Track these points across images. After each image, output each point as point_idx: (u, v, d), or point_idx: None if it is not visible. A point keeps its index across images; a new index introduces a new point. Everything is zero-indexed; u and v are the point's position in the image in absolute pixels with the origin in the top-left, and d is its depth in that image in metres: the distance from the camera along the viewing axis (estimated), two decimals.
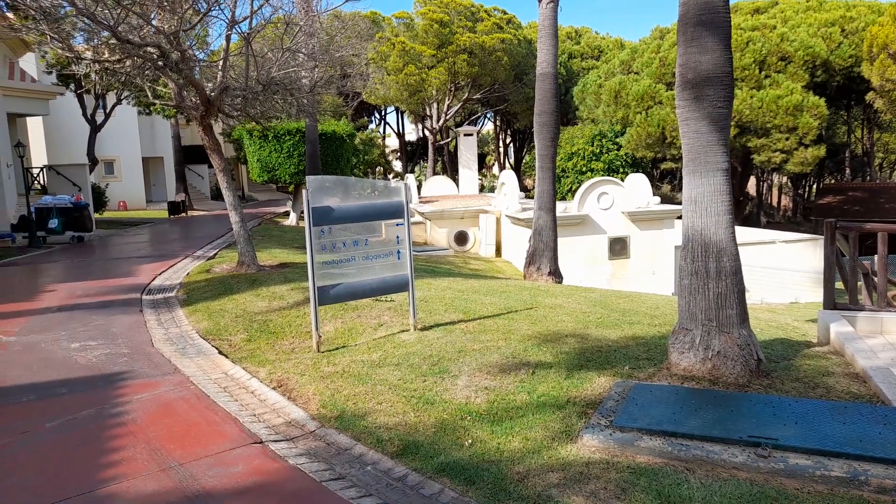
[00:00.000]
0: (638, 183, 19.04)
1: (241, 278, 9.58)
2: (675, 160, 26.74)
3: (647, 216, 18.26)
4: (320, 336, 6.07)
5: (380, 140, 40.09)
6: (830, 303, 6.93)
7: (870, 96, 23.70)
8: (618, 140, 27.03)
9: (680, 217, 20.10)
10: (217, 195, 29.63)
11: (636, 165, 27.32)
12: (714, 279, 5.02)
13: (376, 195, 6.29)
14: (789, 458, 3.60)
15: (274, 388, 5.16)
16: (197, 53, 11.96)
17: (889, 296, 7.51)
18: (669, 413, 4.16)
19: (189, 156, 30.29)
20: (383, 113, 44.40)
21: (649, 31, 30.69)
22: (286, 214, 23.35)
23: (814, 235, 20.96)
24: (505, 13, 31.63)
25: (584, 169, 27.21)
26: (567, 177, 27.79)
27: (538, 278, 11.17)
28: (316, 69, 11.40)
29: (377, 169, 37.03)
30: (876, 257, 6.80)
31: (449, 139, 40.55)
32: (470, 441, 4.06)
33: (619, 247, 18.36)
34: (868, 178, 44.68)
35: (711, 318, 5.03)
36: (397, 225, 6.30)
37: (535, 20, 36.62)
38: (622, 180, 19.57)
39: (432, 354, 5.71)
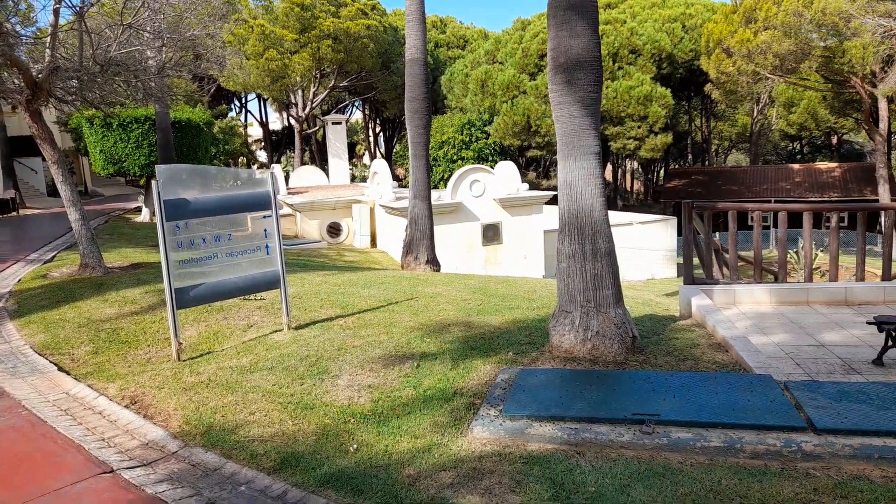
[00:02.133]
0: (507, 170, 19.46)
1: (85, 283, 8.53)
2: (541, 148, 27.76)
3: (518, 202, 18.74)
4: (181, 343, 5.47)
5: (241, 129, 38.07)
6: (690, 278, 7.35)
7: (708, 88, 25.94)
8: (486, 129, 27.56)
9: (548, 203, 20.91)
10: (54, 191, 26.65)
11: (504, 153, 28.03)
12: (590, 261, 5.08)
13: (240, 186, 5.75)
14: (671, 433, 3.67)
15: (127, 406, 4.54)
16: (18, 28, 10.45)
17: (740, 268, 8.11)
18: (556, 397, 4.13)
19: (18, 148, 26.91)
20: (244, 100, 42.22)
21: (511, 23, 31.55)
22: (138, 210, 21.44)
23: (665, 216, 22.64)
24: None
25: (454, 157, 27.48)
26: (439, 165, 27.94)
27: (416, 267, 11.01)
28: (164, 49, 10.37)
29: (240, 160, 35.15)
30: (728, 234, 7.30)
31: (316, 128, 39.37)
32: (355, 446, 3.77)
33: (491, 233, 18.70)
34: (707, 162, 49.22)
35: (589, 299, 5.09)
36: (264, 217, 5.81)
37: (400, 8, 36.29)
38: (492, 168, 19.93)
39: (309, 354, 5.32)
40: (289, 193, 21.64)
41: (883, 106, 25.11)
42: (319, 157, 41.54)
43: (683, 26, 26.48)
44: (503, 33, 30.48)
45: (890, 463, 3.31)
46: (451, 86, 31.34)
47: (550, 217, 21.79)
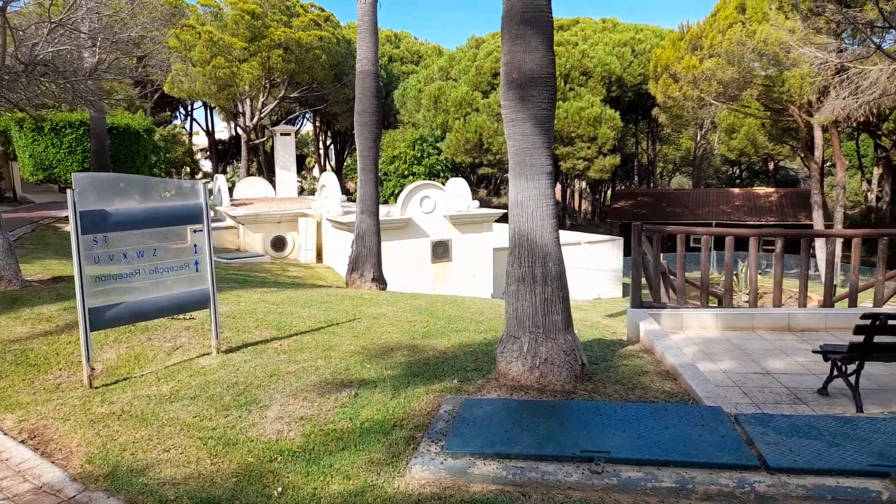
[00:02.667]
0: (458, 187, 19.33)
1: None
2: (492, 165, 27.82)
3: (468, 220, 18.59)
4: (93, 368, 4.97)
5: (185, 137, 36.90)
6: (638, 301, 7.25)
7: (655, 111, 26.54)
8: (438, 145, 27.45)
9: (498, 220, 20.86)
10: None
11: (456, 170, 27.95)
12: (540, 284, 4.87)
13: (169, 197, 5.33)
14: (622, 472, 3.46)
15: (24, 442, 4.05)
16: None
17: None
18: (502, 431, 3.87)
19: None
20: (190, 108, 41.03)
21: (465, 40, 31.67)
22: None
23: (612, 237, 22.92)
24: (323, 10, 30.69)
25: (406, 173, 27.23)
26: (389, 180, 27.64)
27: (361, 285, 10.65)
28: (97, 50, 9.78)
29: (183, 169, 34.01)
30: (676, 257, 7.25)
31: (265, 139, 38.53)
32: (280, 489, 3.41)
33: (441, 250, 18.47)
34: (652, 184, 50.50)
35: (538, 324, 4.88)
36: (195, 232, 5.40)
37: (354, 21, 36.04)
38: (443, 184, 19.76)
39: (238, 381, 4.92)
40: (233, 205, 20.92)
41: (818, 135, 26.19)
42: (267, 169, 40.66)
43: (633, 51, 27.09)
44: (457, 50, 30.56)
45: None
46: (405, 101, 31.18)
47: (500, 235, 21.75)
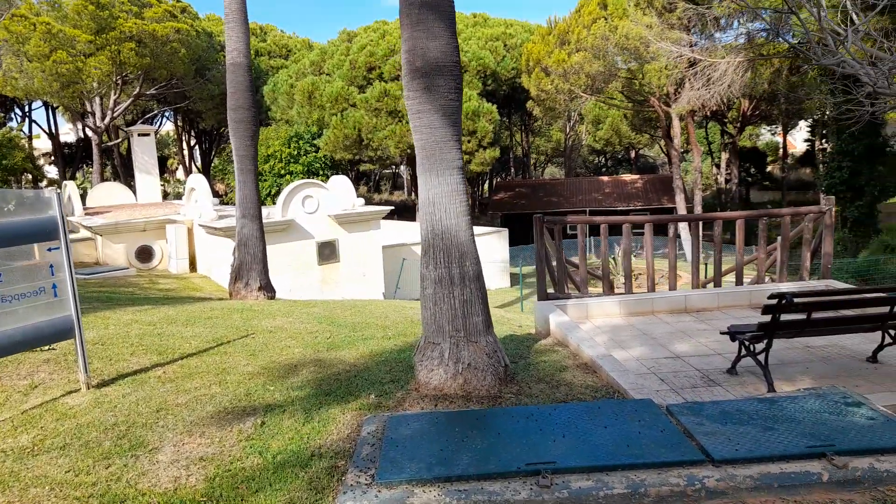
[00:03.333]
0: (341, 185, 18.67)
1: None
2: (373, 161, 27.32)
3: (354, 218, 18.02)
4: None
5: (24, 141, 33.02)
6: (543, 294, 7.19)
7: (530, 104, 27.28)
8: (315, 142, 26.51)
9: (385, 217, 20.43)
10: None
11: (335, 167, 27.16)
12: (459, 286, 4.57)
13: (13, 211, 4.43)
14: (571, 482, 3.24)
15: None
16: None
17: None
18: (437, 450, 3.52)
19: None
20: (27, 108, 36.80)
21: (336, 34, 30.79)
22: None
23: (498, 229, 23.27)
24: (179, 1, 28.56)
25: (282, 172, 26.04)
26: (265, 180, 26.31)
27: (247, 295, 9.85)
28: None
29: (24, 177, 30.41)
30: (577, 247, 7.26)
31: (120, 140, 35.40)
32: None
33: (328, 251, 17.77)
34: (527, 175, 52.25)
35: (459, 328, 4.58)
36: (49, 250, 4.55)
37: (214, 13, 33.91)
38: (325, 182, 19.02)
39: (118, 422, 4.20)
40: (86, 214, 18.85)
41: (676, 124, 28.17)
42: (124, 173, 37.44)
43: (505, 45, 27.64)
44: (329, 44, 29.64)
45: (789, 491, 3.16)
46: (276, 97, 29.82)
47: (388, 233, 21.37)
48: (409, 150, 25.86)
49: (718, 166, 48.47)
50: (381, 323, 6.93)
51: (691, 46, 25.15)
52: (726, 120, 38.19)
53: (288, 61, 32.54)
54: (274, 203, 26.10)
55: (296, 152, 26.63)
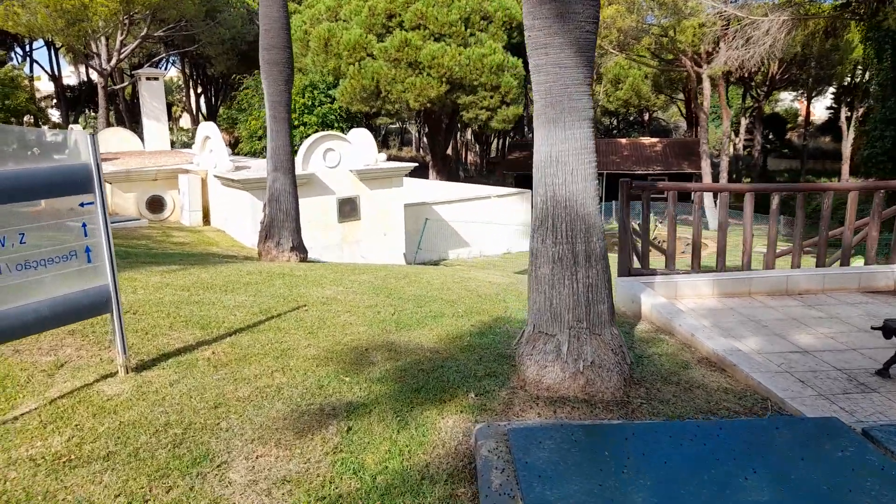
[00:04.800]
0: (363, 139, 17.66)
1: None
2: (390, 115, 26.15)
3: (377, 174, 17.07)
4: None
5: (26, 81, 31.70)
6: (626, 269, 6.37)
7: None
8: (331, 92, 25.28)
9: (409, 174, 19.46)
10: None
11: (351, 120, 26.00)
12: (584, 266, 3.74)
13: (37, 156, 3.57)
14: None
15: None
16: None
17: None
18: (595, 486, 2.74)
19: None
20: (28, 47, 35.28)
21: None
22: None
23: (520, 190, 22.32)
24: None
25: (296, 123, 24.87)
26: None
27: (278, 255, 9.03)
28: None
29: (25, 118, 29.21)
30: (667, 217, 6.40)
31: (125, 84, 34.04)
32: None
33: (348, 208, 16.87)
34: None
35: (581, 317, 3.76)
36: (83, 206, 3.70)
37: None
38: (344, 135, 17.99)
39: (170, 422, 3.41)
40: None
41: (706, 85, 26.94)
42: (129, 118, 36.20)
43: None
44: None
45: None
46: None
47: (411, 190, 20.44)
48: (428, 104, 24.69)
49: (737, 132, 47.13)
50: (446, 297, 6.12)
51: (733, 2, 23.76)
52: (753, 83, 36.80)
53: (301, 6, 30.92)
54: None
55: (310, 103, 25.40)
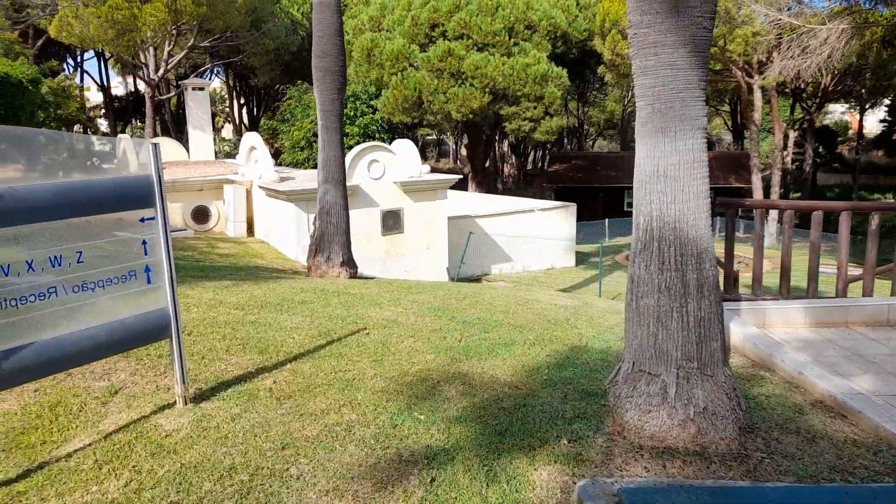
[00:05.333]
0: (407, 149, 17.40)
1: None
2: (432, 126, 25.94)
3: (421, 186, 16.78)
4: None
5: (77, 91, 32.47)
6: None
7: (601, 70, 25.44)
8: (373, 103, 25.19)
9: (453, 187, 19.14)
10: None
11: (392, 131, 25.89)
12: (695, 296, 3.29)
13: (95, 166, 3.30)
14: None
15: None
16: None
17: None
18: None
19: None
20: (80, 58, 36.21)
21: None
22: None
23: (565, 203, 21.80)
24: None
25: None
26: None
27: (328, 270, 8.74)
28: None
29: (75, 127, 29.87)
30: (753, 237, 5.89)
31: (171, 94, 34.63)
32: None
33: (392, 221, 16.61)
34: (580, 147, 50.22)
35: (691, 355, 3.31)
36: (143, 221, 3.41)
37: None
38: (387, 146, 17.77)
39: (235, 465, 3.07)
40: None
41: (758, 96, 26.04)
42: (174, 129, 36.82)
43: (577, 4, 25.71)
44: None
45: None
46: None
47: (452, 202, 20.10)
48: (470, 115, 24.39)
49: (785, 145, 45.67)
50: (512, 321, 5.71)
51: (787, 10, 22.94)
52: (805, 95, 35.61)
53: (344, 16, 31.10)
54: None
55: (352, 113, 25.37)
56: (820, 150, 47.03)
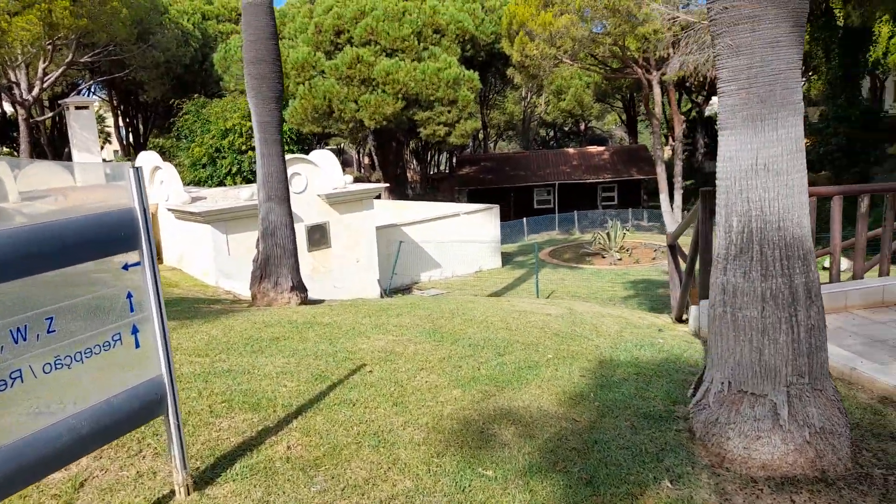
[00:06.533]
0: (328, 161, 16.51)
1: None
2: (343, 135, 25.04)
3: (346, 198, 15.96)
4: None
5: None
6: (705, 290, 5.62)
7: (510, 71, 25.54)
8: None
9: (379, 196, 18.39)
10: None
11: (301, 142, 24.74)
12: (804, 304, 2.91)
13: (67, 197, 2.45)
14: None
15: None
16: None
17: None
18: None
19: None
20: None
21: None
22: None
23: (489, 205, 21.63)
24: None
25: (244, 148, 23.42)
26: (224, 157, 23.63)
27: (277, 297, 7.85)
28: None
29: None
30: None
31: (45, 116, 31.49)
32: None
33: (318, 236, 15.68)
34: (484, 149, 50.69)
35: (802, 370, 2.92)
36: (126, 268, 2.60)
37: None
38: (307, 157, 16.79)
39: None
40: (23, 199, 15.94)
41: (657, 91, 27.10)
42: (52, 152, 33.60)
43: (483, 7, 25.69)
44: (287, 6, 26.88)
45: None
46: (228, 65, 26.90)
47: (380, 212, 19.33)
48: (385, 122, 23.73)
49: (673, 136, 48.27)
50: (520, 338, 5.18)
51: (683, 7, 24.01)
52: (693, 88, 37.70)
53: (238, 25, 29.50)
54: (234, 183, 23.52)
55: None
56: (706, 140, 50.15)
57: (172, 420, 2.78)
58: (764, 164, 2.84)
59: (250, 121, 23.81)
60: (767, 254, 2.88)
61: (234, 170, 23.80)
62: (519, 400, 3.88)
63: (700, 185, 41.28)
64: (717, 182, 3.06)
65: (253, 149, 24.44)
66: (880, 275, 6.03)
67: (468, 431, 3.47)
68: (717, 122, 3.02)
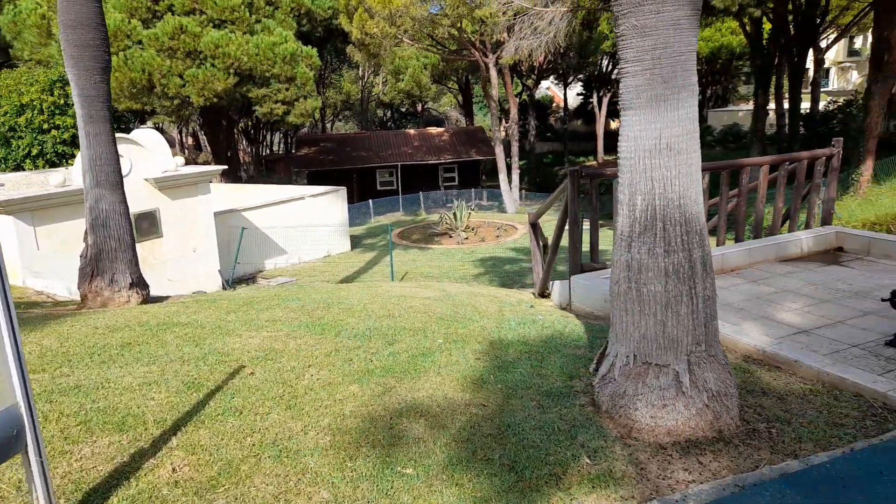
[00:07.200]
0: (155, 141, 14.95)
1: None
2: (169, 113, 22.88)
3: (178, 182, 14.62)
4: None
5: None
6: (579, 266, 5.90)
7: (350, 49, 24.92)
8: None
9: (212, 180, 17.03)
10: None
11: (118, 120, 22.17)
12: (701, 276, 3.07)
13: None
14: None
15: None
16: None
17: None
18: None
19: None
20: None
21: None
22: None
23: (335, 188, 21.07)
24: None
25: (46, 126, 20.49)
26: (21, 137, 20.52)
27: (114, 296, 6.93)
28: None
29: None
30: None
31: None
32: None
33: (147, 224, 14.22)
34: (322, 130, 49.33)
35: (700, 339, 3.10)
36: None
37: None
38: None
39: None
40: None
41: (493, 74, 28.05)
42: None
43: None
44: None
45: None
46: (20, 30, 23.27)
47: (216, 197, 17.96)
48: (215, 99, 22.04)
49: (507, 119, 50.52)
50: (406, 325, 5.00)
51: None
52: (523, 72, 39.57)
53: None
54: (35, 167, 20.57)
55: (62, 101, 21.01)
56: (535, 122, 53.10)
57: (34, 458, 2.26)
58: (667, 144, 2.93)
59: (51, 95, 20.97)
60: (670, 230, 2.99)
61: (35, 151, 20.79)
62: (421, 390, 3.73)
63: (533, 166, 43.60)
64: (619, 161, 3.12)
65: (57, 127, 21.59)
66: (718, 245, 6.69)
67: (376, 429, 3.26)
68: (620, 103, 3.06)
